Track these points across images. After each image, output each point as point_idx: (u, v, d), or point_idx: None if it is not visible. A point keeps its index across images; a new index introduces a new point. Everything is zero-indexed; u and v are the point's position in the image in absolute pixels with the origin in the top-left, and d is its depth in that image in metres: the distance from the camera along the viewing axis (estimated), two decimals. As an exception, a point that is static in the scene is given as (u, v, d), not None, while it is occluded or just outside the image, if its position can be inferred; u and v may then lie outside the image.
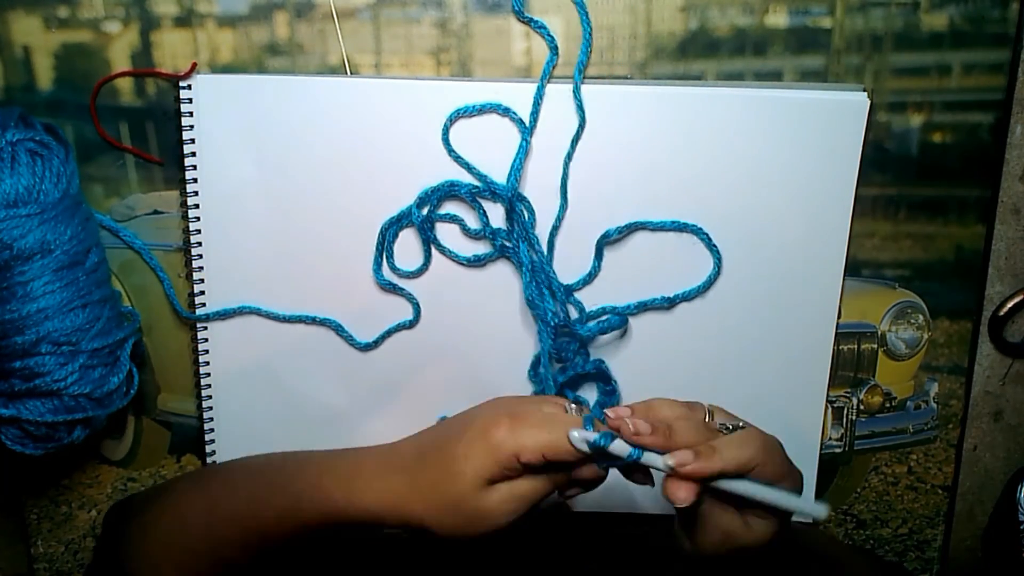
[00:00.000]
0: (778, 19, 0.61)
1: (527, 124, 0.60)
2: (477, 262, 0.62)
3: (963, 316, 0.67)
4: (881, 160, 0.63)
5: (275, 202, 0.61)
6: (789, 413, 0.66)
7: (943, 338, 0.67)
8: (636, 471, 0.51)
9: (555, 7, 0.60)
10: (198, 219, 0.61)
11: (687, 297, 0.63)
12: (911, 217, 0.64)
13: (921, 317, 0.66)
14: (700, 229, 0.62)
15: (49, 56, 0.59)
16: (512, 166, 0.60)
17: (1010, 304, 0.66)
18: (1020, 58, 0.61)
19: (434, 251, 0.62)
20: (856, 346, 0.66)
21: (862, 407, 0.68)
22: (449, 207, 0.62)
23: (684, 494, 0.46)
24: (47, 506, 0.67)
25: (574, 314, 0.63)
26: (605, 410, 0.50)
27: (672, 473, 0.47)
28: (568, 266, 0.63)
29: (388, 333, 0.64)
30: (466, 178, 0.61)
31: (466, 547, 0.52)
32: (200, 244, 0.62)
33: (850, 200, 0.62)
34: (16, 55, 0.59)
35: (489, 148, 0.60)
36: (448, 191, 0.60)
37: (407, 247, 0.62)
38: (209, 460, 0.66)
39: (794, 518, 0.50)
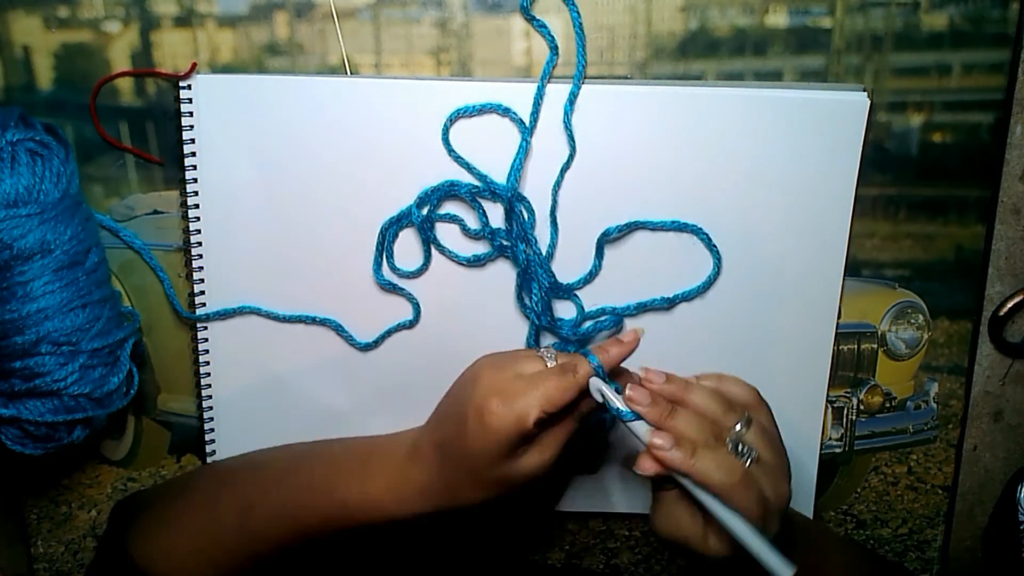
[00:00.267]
0: (778, 19, 0.61)
1: (527, 124, 0.59)
2: (477, 262, 0.62)
3: (963, 316, 0.67)
4: (881, 160, 0.63)
5: (275, 202, 0.61)
6: (789, 413, 0.65)
7: (943, 338, 0.67)
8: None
9: (555, 7, 0.60)
10: (198, 219, 0.61)
11: (687, 297, 0.63)
12: (911, 217, 0.64)
13: (921, 317, 0.66)
14: (700, 229, 0.62)
15: (49, 56, 0.59)
16: (512, 166, 0.60)
17: (1010, 304, 0.66)
18: (1020, 58, 0.61)
19: (434, 251, 0.62)
20: (856, 346, 0.66)
21: (862, 407, 0.68)
22: (449, 207, 0.61)
23: (646, 467, 0.49)
24: (47, 506, 0.67)
25: (572, 313, 0.63)
26: (643, 367, 0.52)
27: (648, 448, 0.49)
28: (568, 267, 0.63)
29: (388, 333, 0.64)
30: (466, 178, 0.61)
31: (463, 543, 0.54)
32: (200, 244, 0.62)
33: (850, 200, 0.62)
34: (16, 55, 0.59)
35: (489, 148, 0.60)
36: (448, 191, 0.60)
37: (407, 247, 0.62)
38: (209, 460, 0.66)
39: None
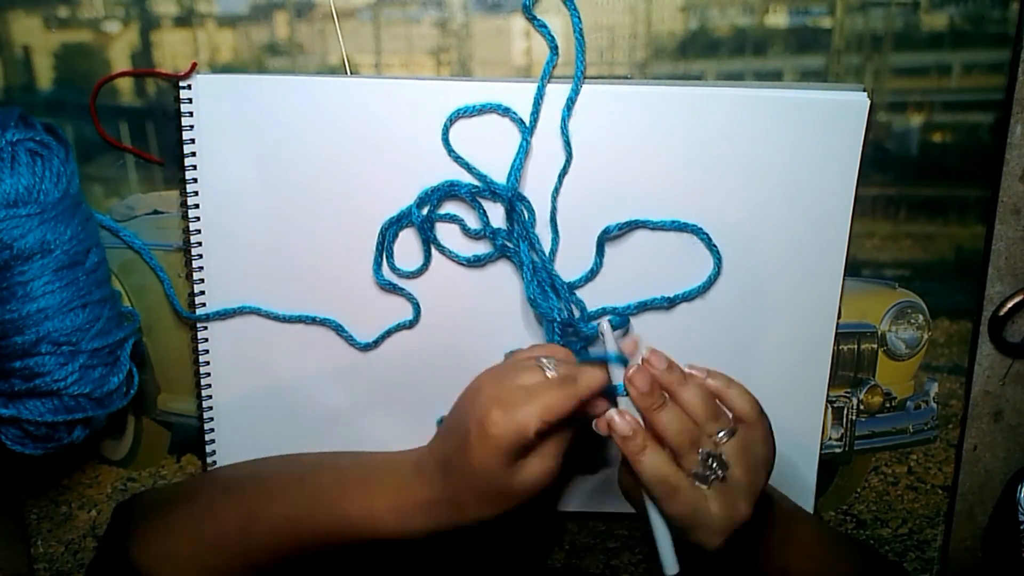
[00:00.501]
0: (778, 19, 0.61)
1: (527, 124, 0.59)
2: (477, 262, 0.62)
3: (963, 316, 0.67)
4: (881, 160, 0.63)
5: (275, 202, 0.61)
6: (789, 413, 0.66)
7: (943, 338, 0.67)
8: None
9: (555, 7, 0.60)
10: (198, 219, 0.61)
11: (687, 297, 0.63)
12: (911, 217, 0.64)
13: (921, 317, 0.66)
14: (700, 229, 0.62)
15: (49, 56, 0.59)
16: (512, 166, 0.60)
17: (1010, 304, 0.66)
18: (1020, 58, 0.61)
19: (434, 251, 0.62)
20: (856, 346, 0.66)
21: (862, 407, 0.68)
22: (449, 207, 0.62)
23: (600, 427, 0.51)
24: (47, 506, 0.67)
25: (575, 313, 0.63)
26: (649, 347, 0.52)
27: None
28: (568, 266, 0.62)
29: (388, 333, 0.64)
30: (466, 178, 0.61)
31: (469, 545, 0.54)
32: (200, 244, 0.62)
33: (850, 200, 0.62)
34: (16, 55, 0.59)
35: (489, 148, 0.60)
36: (448, 191, 0.60)
37: (407, 247, 0.62)
38: (209, 460, 0.66)
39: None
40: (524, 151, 0.60)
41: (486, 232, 0.61)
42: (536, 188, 0.61)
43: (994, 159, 0.63)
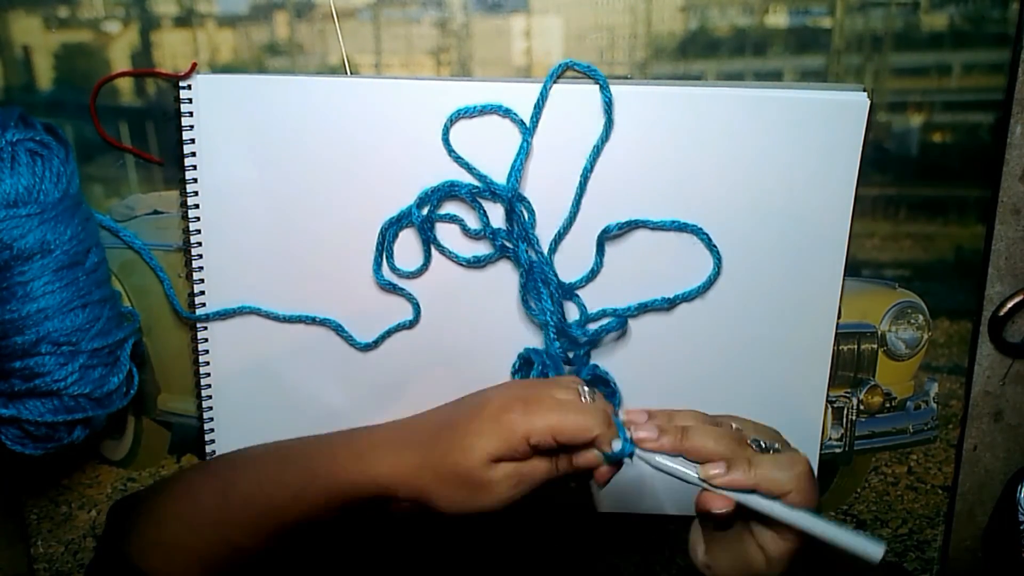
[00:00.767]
0: (778, 19, 0.61)
1: (528, 125, 0.59)
2: (477, 263, 0.62)
3: (963, 316, 0.67)
4: (881, 160, 0.63)
5: (275, 202, 0.61)
6: (789, 413, 0.66)
7: (943, 338, 0.67)
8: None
9: (555, 7, 0.60)
10: (198, 219, 0.61)
11: (687, 298, 0.63)
12: (911, 217, 0.64)
13: (921, 317, 0.66)
14: (700, 229, 0.62)
15: (49, 56, 0.59)
16: (513, 167, 0.60)
17: (1010, 304, 0.66)
18: (1020, 58, 0.61)
19: (434, 251, 0.62)
20: (856, 346, 0.66)
21: (862, 407, 0.68)
22: (449, 207, 0.61)
23: (721, 503, 0.48)
24: (47, 506, 0.67)
25: (574, 315, 0.63)
26: (625, 410, 0.51)
27: (705, 486, 0.48)
28: (568, 267, 0.62)
29: (388, 333, 0.64)
30: (466, 178, 0.61)
31: (478, 541, 0.53)
32: (200, 244, 0.62)
33: (850, 200, 0.62)
34: (16, 55, 0.59)
35: (489, 148, 0.60)
36: (448, 191, 0.60)
37: (407, 247, 0.62)
38: (209, 460, 0.66)
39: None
40: (525, 152, 0.60)
41: (486, 232, 0.61)
42: (537, 188, 0.61)
43: (994, 159, 0.63)
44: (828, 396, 0.66)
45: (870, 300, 0.66)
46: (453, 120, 0.59)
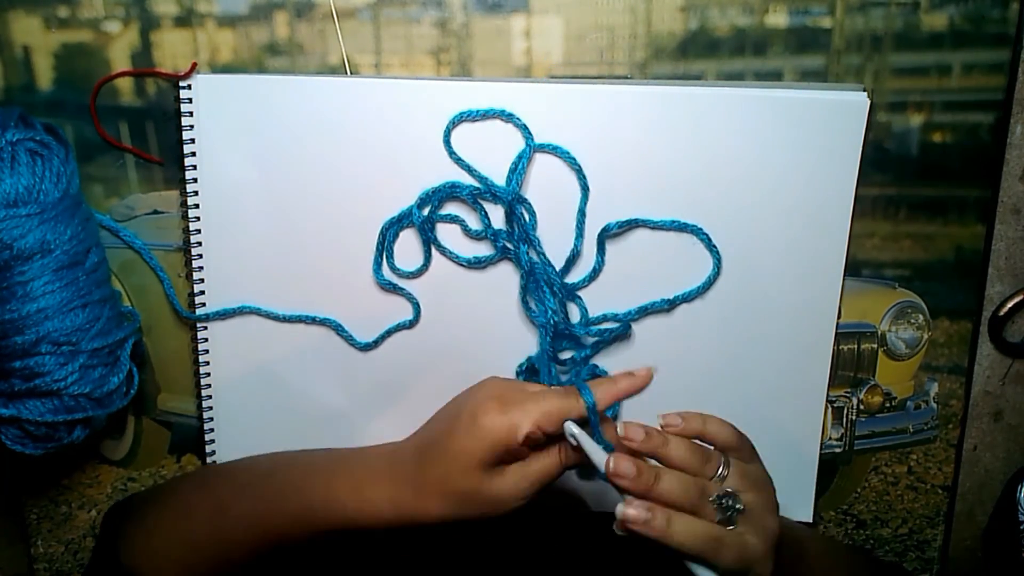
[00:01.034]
0: (778, 19, 0.61)
1: (529, 129, 0.59)
2: (478, 264, 0.62)
3: (963, 316, 0.67)
4: (881, 160, 0.63)
5: (275, 202, 0.61)
6: (789, 413, 0.66)
7: (943, 338, 0.67)
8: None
9: (555, 7, 0.60)
10: (198, 219, 0.61)
11: (687, 298, 0.63)
12: (911, 217, 0.64)
13: (921, 317, 0.66)
14: (700, 229, 0.62)
15: (49, 56, 0.59)
16: (515, 170, 0.60)
17: (1010, 304, 0.66)
18: (1020, 58, 0.61)
19: (434, 251, 0.62)
20: (856, 346, 0.66)
21: (862, 407, 0.68)
22: (450, 207, 0.61)
23: (623, 530, 0.47)
24: (47, 506, 0.67)
25: (575, 317, 0.63)
26: (623, 423, 0.49)
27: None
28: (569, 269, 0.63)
29: (388, 333, 0.64)
30: (467, 179, 0.60)
31: (469, 545, 0.52)
32: (200, 244, 0.62)
33: (850, 200, 0.62)
34: (16, 55, 0.59)
35: (490, 148, 0.60)
36: (449, 192, 0.60)
37: (407, 247, 0.62)
38: (209, 460, 0.66)
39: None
40: (527, 157, 0.60)
41: (487, 233, 0.61)
42: (537, 188, 0.61)
43: (994, 159, 0.63)
44: (828, 396, 0.66)
45: (870, 300, 0.66)
46: (455, 123, 0.59)
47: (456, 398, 0.54)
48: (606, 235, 0.62)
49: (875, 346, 0.67)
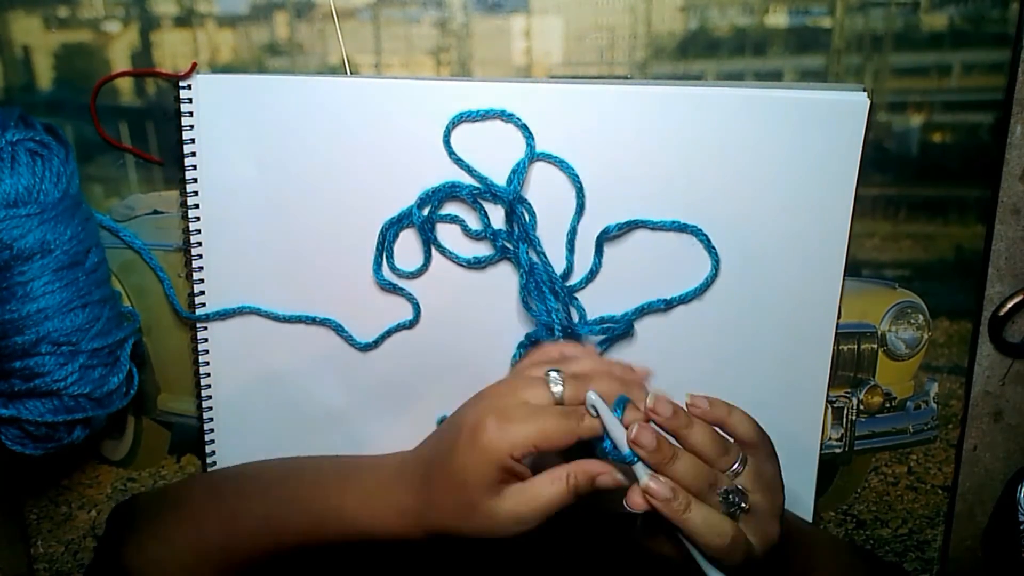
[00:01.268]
0: (778, 19, 0.61)
1: (530, 129, 0.59)
2: (478, 264, 0.62)
3: (963, 316, 0.67)
4: (881, 160, 0.63)
5: (275, 202, 0.61)
6: (789, 413, 0.66)
7: (943, 338, 0.67)
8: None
9: (555, 7, 0.60)
10: (198, 219, 0.61)
11: (684, 299, 0.63)
12: (911, 217, 0.64)
13: (921, 317, 0.66)
14: (699, 230, 0.62)
15: (49, 56, 0.59)
16: (516, 171, 0.60)
17: (1010, 304, 0.66)
18: (1020, 58, 0.61)
19: (434, 251, 0.62)
20: (856, 346, 0.66)
21: (862, 407, 0.68)
22: (450, 207, 0.61)
23: (637, 503, 0.47)
24: (47, 506, 0.67)
25: (573, 318, 0.63)
26: (653, 394, 0.49)
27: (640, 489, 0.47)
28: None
29: (388, 333, 0.64)
30: (467, 178, 0.60)
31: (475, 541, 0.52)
32: (200, 244, 0.62)
33: (850, 200, 0.62)
34: (16, 55, 0.59)
35: (490, 147, 0.60)
36: (449, 192, 0.60)
37: (407, 247, 0.62)
38: (209, 460, 0.66)
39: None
40: (527, 158, 0.60)
41: (487, 234, 0.61)
42: (537, 189, 0.61)
43: (994, 159, 0.63)
44: (828, 396, 0.66)
45: (870, 300, 0.66)
46: (455, 123, 0.59)
47: (464, 406, 0.53)
48: (605, 237, 0.62)
49: (875, 346, 0.67)
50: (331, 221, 0.61)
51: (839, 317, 0.65)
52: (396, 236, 0.62)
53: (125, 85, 0.60)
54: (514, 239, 0.61)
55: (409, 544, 0.53)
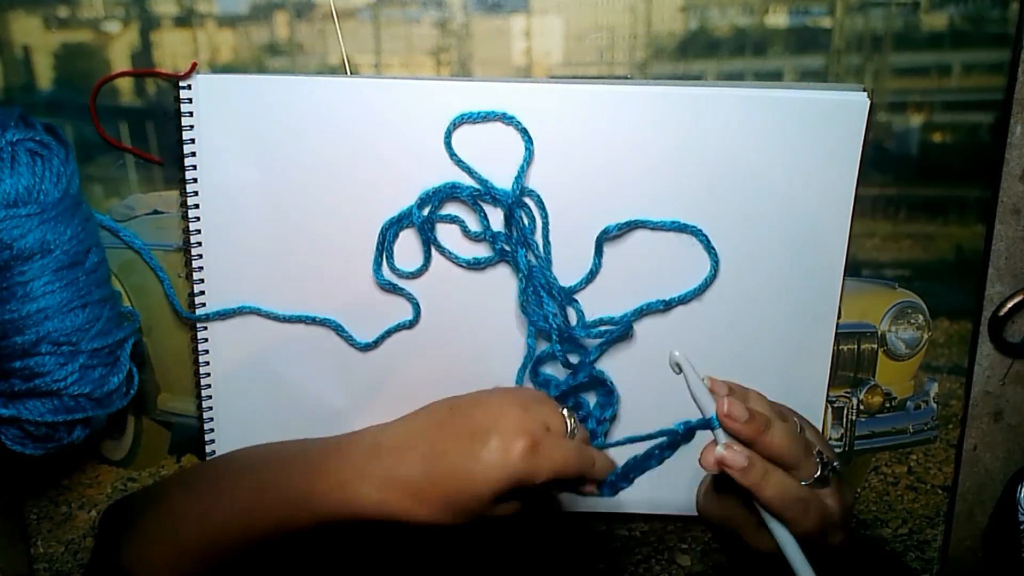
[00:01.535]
0: (778, 19, 0.61)
1: (529, 131, 0.59)
2: (477, 265, 0.62)
3: (963, 316, 0.67)
4: (881, 160, 0.63)
5: (275, 202, 0.61)
6: (789, 413, 0.66)
7: (943, 338, 0.67)
8: (586, 486, 0.53)
9: (555, 7, 0.60)
10: (198, 219, 0.61)
11: (684, 300, 0.63)
12: (911, 217, 0.64)
13: (921, 317, 0.66)
14: (699, 230, 0.62)
15: (49, 56, 0.59)
16: (516, 174, 0.60)
17: (1010, 304, 0.66)
18: (1020, 58, 0.61)
19: (434, 251, 0.62)
20: (856, 346, 0.66)
21: (862, 407, 0.68)
22: (450, 207, 0.61)
23: (711, 463, 0.47)
24: (47, 506, 0.67)
25: (571, 320, 0.63)
26: (708, 377, 0.50)
27: (719, 456, 0.47)
28: (566, 268, 0.62)
29: (388, 333, 0.64)
30: (467, 179, 0.60)
31: (474, 541, 0.53)
32: (200, 244, 0.62)
33: (850, 200, 0.62)
34: (16, 55, 0.59)
35: (490, 148, 0.60)
36: (449, 192, 0.60)
37: (407, 247, 0.62)
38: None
39: None
40: (527, 161, 0.60)
41: (486, 236, 0.61)
42: (537, 189, 0.61)
43: (994, 159, 0.63)
44: (828, 396, 0.66)
45: (870, 300, 0.66)
46: (456, 125, 0.59)
47: (473, 405, 0.53)
48: (605, 237, 0.62)
49: (875, 346, 0.67)
50: (331, 221, 0.61)
51: (839, 317, 0.65)
52: (396, 236, 0.62)
53: (125, 85, 0.60)
54: (512, 243, 0.61)
55: (394, 535, 0.52)
